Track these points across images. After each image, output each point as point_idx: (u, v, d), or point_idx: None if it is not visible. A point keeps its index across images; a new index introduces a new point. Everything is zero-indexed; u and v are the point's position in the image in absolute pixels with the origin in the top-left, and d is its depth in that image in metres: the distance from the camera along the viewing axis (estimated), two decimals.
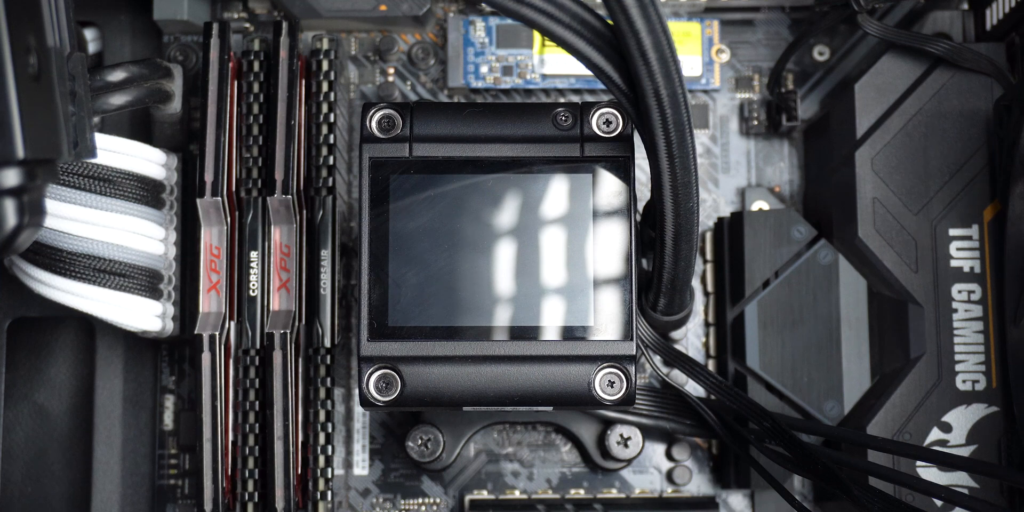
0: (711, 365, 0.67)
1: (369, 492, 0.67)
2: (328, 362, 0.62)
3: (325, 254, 0.63)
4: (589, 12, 0.46)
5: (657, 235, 0.52)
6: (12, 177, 0.43)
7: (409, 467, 0.68)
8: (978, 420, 0.59)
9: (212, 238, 0.62)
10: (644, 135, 0.48)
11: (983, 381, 0.59)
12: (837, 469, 0.54)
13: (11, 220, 0.43)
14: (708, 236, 0.68)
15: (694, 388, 0.67)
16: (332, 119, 0.64)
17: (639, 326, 0.56)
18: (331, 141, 0.64)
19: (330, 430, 0.62)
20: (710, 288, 0.68)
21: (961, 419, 0.59)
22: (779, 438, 0.56)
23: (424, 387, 0.53)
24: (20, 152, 0.42)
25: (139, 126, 0.67)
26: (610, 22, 0.45)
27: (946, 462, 0.54)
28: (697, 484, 0.68)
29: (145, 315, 0.60)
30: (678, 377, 0.67)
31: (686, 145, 0.47)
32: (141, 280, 0.60)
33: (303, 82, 0.64)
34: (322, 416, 0.62)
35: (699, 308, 0.68)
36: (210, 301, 0.61)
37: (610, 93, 0.48)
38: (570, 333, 0.53)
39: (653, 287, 0.55)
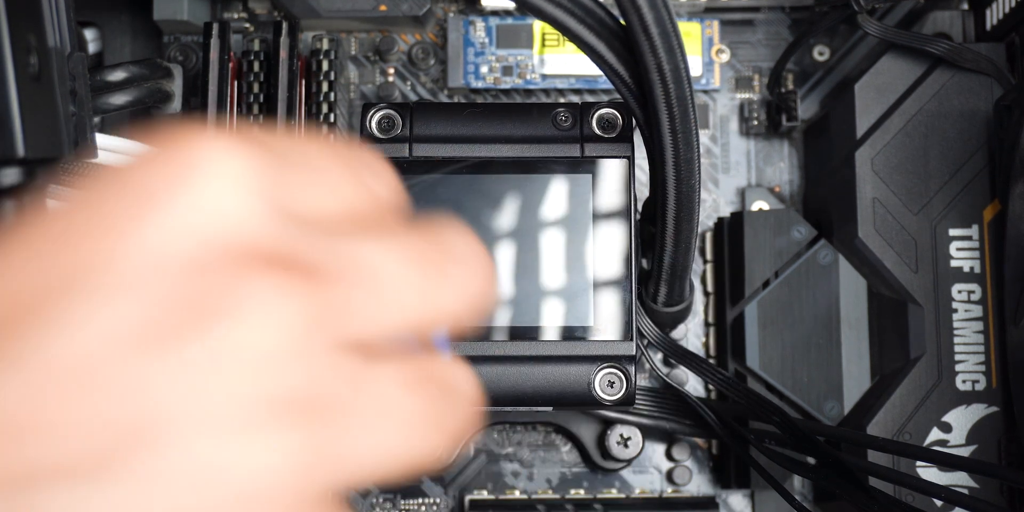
0: None
1: (369, 492, 0.67)
2: None
3: None
4: None
5: (658, 216, 0.51)
6: (12, 177, 0.43)
7: None
8: (978, 420, 0.59)
9: None
10: (645, 112, 0.48)
11: (983, 381, 0.59)
12: (843, 465, 0.53)
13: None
14: (708, 236, 0.68)
15: (694, 388, 0.67)
16: (332, 119, 0.64)
17: (641, 323, 0.56)
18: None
19: None
20: (710, 288, 0.68)
21: (961, 419, 0.59)
22: (787, 433, 0.56)
23: None
24: (21, 152, 0.42)
25: (139, 126, 0.67)
26: (607, 8, 0.45)
27: (946, 462, 0.54)
28: (697, 484, 0.68)
29: None
30: (678, 377, 0.67)
31: (688, 120, 0.47)
32: None
33: (303, 82, 0.64)
34: None
35: (699, 308, 0.68)
36: None
37: (607, 81, 0.48)
38: (570, 333, 0.53)
39: (652, 275, 0.55)
